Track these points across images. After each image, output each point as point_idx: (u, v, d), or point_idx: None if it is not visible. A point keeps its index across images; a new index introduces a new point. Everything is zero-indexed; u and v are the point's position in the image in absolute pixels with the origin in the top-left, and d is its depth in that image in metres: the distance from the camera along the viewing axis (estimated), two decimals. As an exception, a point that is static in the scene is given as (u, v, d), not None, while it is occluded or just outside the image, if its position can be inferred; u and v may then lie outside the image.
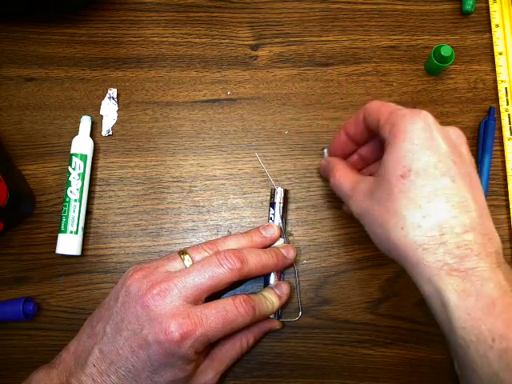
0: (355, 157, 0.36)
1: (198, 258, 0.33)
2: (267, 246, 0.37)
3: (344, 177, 0.33)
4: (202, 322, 0.30)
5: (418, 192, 0.27)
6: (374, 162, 0.36)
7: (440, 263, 0.25)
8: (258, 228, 0.37)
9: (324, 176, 0.38)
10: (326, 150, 0.39)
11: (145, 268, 0.32)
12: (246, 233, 0.36)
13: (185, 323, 0.29)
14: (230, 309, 0.31)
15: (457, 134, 0.30)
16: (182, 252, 0.33)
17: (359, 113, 0.32)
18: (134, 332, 0.30)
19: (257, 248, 0.35)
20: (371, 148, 0.35)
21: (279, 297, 0.36)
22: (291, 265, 0.38)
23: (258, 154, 0.41)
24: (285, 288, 0.37)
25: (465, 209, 0.26)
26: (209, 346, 0.33)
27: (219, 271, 0.31)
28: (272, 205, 0.39)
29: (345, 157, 0.36)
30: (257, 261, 0.33)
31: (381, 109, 0.30)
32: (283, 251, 0.37)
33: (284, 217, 0.39)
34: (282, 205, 0.38)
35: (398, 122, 0.28)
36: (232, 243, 0.34)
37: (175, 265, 0.32)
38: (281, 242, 0.38)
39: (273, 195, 0.39)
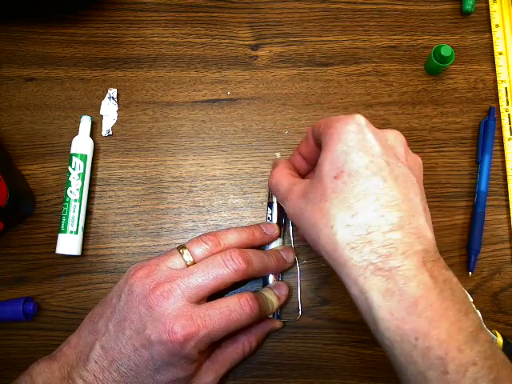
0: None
1: (197, 251, 0.32)
2: (265, 244, 0.37)
3: (281, 178, 0.33)
4: (206, 323, 0.30)
5: (349, 192, 0.27)
6: None
7: (365, 262, 0.25)
8: (259, 224, 0.37)
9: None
10: (278, 154, 0.40)
11: (146, 266, 0.32)
12: (247, 227, 0.36)
13: (188, 324, 0.29)
14: (234, 308, 0.31)
15: (394, 136, 0.30)
16: (181, 246, 0.33)
17: (308, 131, 0.33)
18: (137, 331, 0.30)
19: (255, 243, 0.35)
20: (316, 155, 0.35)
21: (278, 298, 0.36)
22: (289, 268, 0.38)
23: (278, 155, 0.41)
24: (284, 289, 0.37)
25: (394, 208, 0.26)
26: (211, 345, 0.33)
27: (223, 272, 0.31)
28: (270, 205, 0.39)
29: (302, 176, 0.36)
30: (260, 263, 0.33)
31: (321, 121, 0.31)
32: (283, 254, 0.37)
33: (282, 217, 0.39)
34: (279, 204, 0.38)
35: (332, 125, 0.29)
36: (233, 236, 0.34)
37: (175, 260, 0.32)
38: (279, 241, 0.38)
39: (270, 195, 0.39)
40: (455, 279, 0.26)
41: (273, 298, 0.35)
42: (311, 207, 0.28)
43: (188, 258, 0.32)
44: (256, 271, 0.33)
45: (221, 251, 0.33)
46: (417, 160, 0.31)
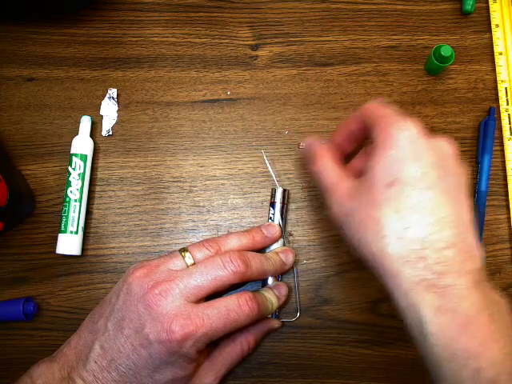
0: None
1: (198, 255, 0.32)
2: (267, 246, 0.37)
3: (327, 169, 0.31)
4: (204, 322, 0.30)
5: (402, 203, 0.26)
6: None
7: (418, 278, 0.25)
8: (259, 227, 0.37)
9: (303, 158, 0.35)
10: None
11: (146, 266, 0.32)
12: (247, 231, 0.36)
13: (186, 323, 0.29)
14: (232, 308, 0.31)
15: (446, 144, 0.29)
16: (183, 249, 0.33)
17: (352, 121, 0.33)
18: (135, 330, 0.30)
19: (256, 247, 0.35)
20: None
21: (278, 298, 0.36)
22: (289, 270, 0.38)
23: (264, 153, 0.41)
24: (283, 289, 0.37)
25: (447, 224, 0.26)
26: (211, 346, 0.33)
27: (222, 273, 0.31)
28: (272, 204, 0.39)
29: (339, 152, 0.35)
30: (259, 266, 0.34)
31: (375, 111, 0.30)
32: (282, 256, 0.36)
33: (284, 217, 0.39)
34: (282, 205, 0.38)
35: (387, 129, 0.28)
36: (233, 241, 0.34)
37: (176, 262, 0.32)
38: (280, 242, 0.38)
39: (273, 195, 0.39)
40: (503, 301, 0.26)
41: (272, 299, 0.35)
42: (361, 211, 0.28)
43: (190, 260, 0.32)
44: (254, 274, 0.33)
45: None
46: (465, 171, 0.30)
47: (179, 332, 0.29)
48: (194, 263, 0.32)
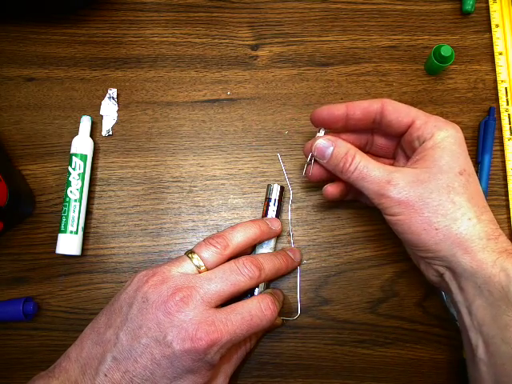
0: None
1: (206, 255, 0.32)
2: (271, 239, 0.37)
3: (371, 163, 0.32)
4: (228, 328, 0.29)
5: (473, 190, 0.31)
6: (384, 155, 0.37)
7: (502, 248, 0.29)
8: (263, 219, 0.37)
9: (319, 156, 0.34)
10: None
11: (158, 273, 0.31)
12: (252, 221, 0.36)
13: (211, 330, 0.29)
14: (255, 313, 0.31)
15: None
16: (190, 252, 0.33)
17: (374, 102, 0.33)
18: (155, 339, 0.29)
19: (262, 238, 0.36)
20: (387, 145, 0.36)
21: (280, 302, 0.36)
22: (297, 266, 0.39)
23: (279, 155, 0.41)
24: (281, 295, 0.37)
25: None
26: None
27: (240, 278, 0.31)
28: (270, 200, 0.39)
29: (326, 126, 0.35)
30: (272, 266, 0.34)
31: (411, 110, 0.33)
32: (290, 254, 0.37)
33: (279, 214, 0.39)
34: (278, 202, 0.38)
35: (443, 127, 0.31)
36: (240, 234, 0.34)
37: (186, 266, 0.32)
38: (272, 241, 0.38)
39: (268, 191, 0.39)
40: None
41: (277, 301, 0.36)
42: (434, 196, 0.30)
43: (198, 262, 0.32)
44: (268, 276, 0.34)
45: (231, 253, 0.33)
46: None
47: (205, 339, 0.28)
48: (204, 264, 0.32)
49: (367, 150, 0.37)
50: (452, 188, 0.30)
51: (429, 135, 0.31)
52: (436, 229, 0.29)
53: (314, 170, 0.36)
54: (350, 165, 0.32)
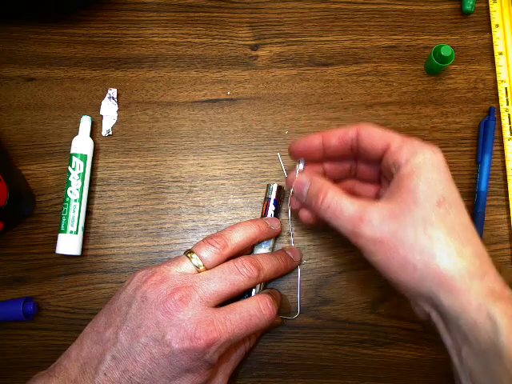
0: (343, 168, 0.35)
1: (205, 255, 0.32)
2: (270, 238, 0.37)
3: (344, 200, 0.30)
4: (227, 328, 0.29)
5: (454, 221, 0.27)
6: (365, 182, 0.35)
7: (488, 290, 0.26)
8: (262, 218, 0.37)
9: (297, 195, 0.34)
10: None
11: (158, 272, 0.31)
12: (252, 221, 0.36)
13: (210, 329, 0.29)
14: (254, 313, 0.31)
15: None
16: (189, 251, 0.33)
17: (350, 129, 0.32)
18: (154, 338, 0.29)
19: (262, 237, 0.35)
20: (371, 170, 0.34)
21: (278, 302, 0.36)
22: (296, 266, 0.39)
23: (280, 155, 0.41)
24: (279, 295, 0.37)
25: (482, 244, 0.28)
26: None
27: (239, 278, 0.31)
28: (269, 200, 0.39)
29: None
30: (271, 266, 0.34)
31: (386, 133, 0.30)
32: (290, 254, 0.37)
33: (278, 214, 0.39)
34: (275, 201, 0.38)
35: (420, 151, 0.29)
36: (239, 234, 0.34)
37: (185, 265, 0.32)
38: (271, 242, 0.38)
39: (269, 190, 0.39)
40: None
41: (277, 301, 0.36)
42: (409, 231, 0.27)
43: (197, 262, 0.32)
44: (268, 275, 0.33)
45: (230, 253, 0.33)
46: None
47: (204, 338, 0.28)
48: (203, 264, 0.32)
49: (352, 175, 0.36)
50: (428, 221, 0.27)
51: (404, 160, 0.29)
52: (414, 267, 0.27)
53: (299, 205, 0.35)
54: (321, 202, 0.31)
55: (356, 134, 0.32)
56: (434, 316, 0.28)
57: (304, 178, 0.33)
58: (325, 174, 0.36)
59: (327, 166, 0.35)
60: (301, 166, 0.35)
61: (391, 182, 0.30)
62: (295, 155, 0.35)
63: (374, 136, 0.31)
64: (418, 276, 0.27)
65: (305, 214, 0.35)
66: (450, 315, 0.26)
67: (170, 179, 0.41)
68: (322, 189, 0.31)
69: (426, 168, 0.28)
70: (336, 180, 0.36)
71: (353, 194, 0.36)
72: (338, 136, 0.32)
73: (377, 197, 0.35)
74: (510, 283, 0.29)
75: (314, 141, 0.33)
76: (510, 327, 0.25)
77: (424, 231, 0.27)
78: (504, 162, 0.42)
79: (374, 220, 0.28)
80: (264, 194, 0.40)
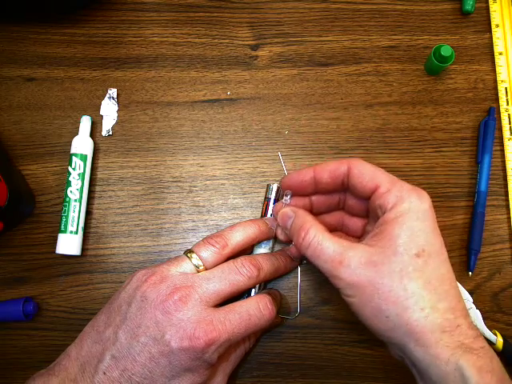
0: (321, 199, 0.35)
1: (204, 255, 0.32)
2: (270, 238, 0.37)
3: (322, 242, 0.29)
4: (226, 328, 0.29)
5: (431, 274, 0.27)
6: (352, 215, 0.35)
7: (458, 343, 0.26)
8: (262, 218, 0.37)
9: (282, 226, 0.34)
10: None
11: (157, 272, 0.31)
12: (251, 221, 0.36)
13: (210, 329, 0.29)
14: (253, 313, 0.31)
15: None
16: (189, 251, 0.33)
17: (341, 164, 0.32)
18: (153, 338, 0.29)
19: (261, 237, 0.35)
20: (359, 205, 0.34)
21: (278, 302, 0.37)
22: (296, 266, 0.39)
23: (280, 154, 0.41)
24: (278, 295, 0.38)
25: (459, 293, 0.29)
26: None
27: (239, 278, 0.31)
28: (269, 200, 0.39)
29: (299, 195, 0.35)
30: (271, 266, 0.34)
31: (377, 174, 0.30)
32: (289, 253, 0.37)
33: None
34: (275, 201, 0.38)
35: (406, 198, 0.29)
36: (239, 234, 0.34)
37: (185, 265, 0.32)
38: (271, 242, 0.38)
39: (269, 190, 0.39)
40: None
41: (277, 301, 0.36)
42: (385, 281, 0.27)
43: (197, 262, 0.32)
44: (267, 275, 0.34)
45: (230, 253, 0.33)
46: None
47: (203, 338, 0.28)
48: (203, 264, 0.32)
49: (340, 208, 0.36)
50: (406, 273, 0.27)
51: (389, 206, 0.29)
52: (387, 316, 0.27)
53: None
54: (303, 239, 0.30)
55: (347, 170, 0.32)
56: (408, 362, 0.29)
57: (289, 211, 0.33)
58: (312, 207, 0.35)
59: (314, 198, 0.35)
60: (288, 197, 0.35)
61: (376, 224, 0.30)
62: (286, 188, 0.35)
63: (364, 175, 0.31)
64: (391, 325, 0.27)
65: (293, 251, 0.36)
66: (421, 365, 0.27)
67: (170, 179, 0.41)
68: (305, 226, 0.31)
69: (409, 216, 0.28)
70: (324, 211, 0.36)
71: (340, 225, 0.36)
72: (329, 170, 0.32)
73: (363, 230, 0.35)
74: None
75: (306, 176, 0.33)
76: (477, 378, 0.25)
77: (400, 282, 0.27)
78: (504, 162, 0.42)
79: (352, 264, 0.28)
80: (264, 193, 0.40)
